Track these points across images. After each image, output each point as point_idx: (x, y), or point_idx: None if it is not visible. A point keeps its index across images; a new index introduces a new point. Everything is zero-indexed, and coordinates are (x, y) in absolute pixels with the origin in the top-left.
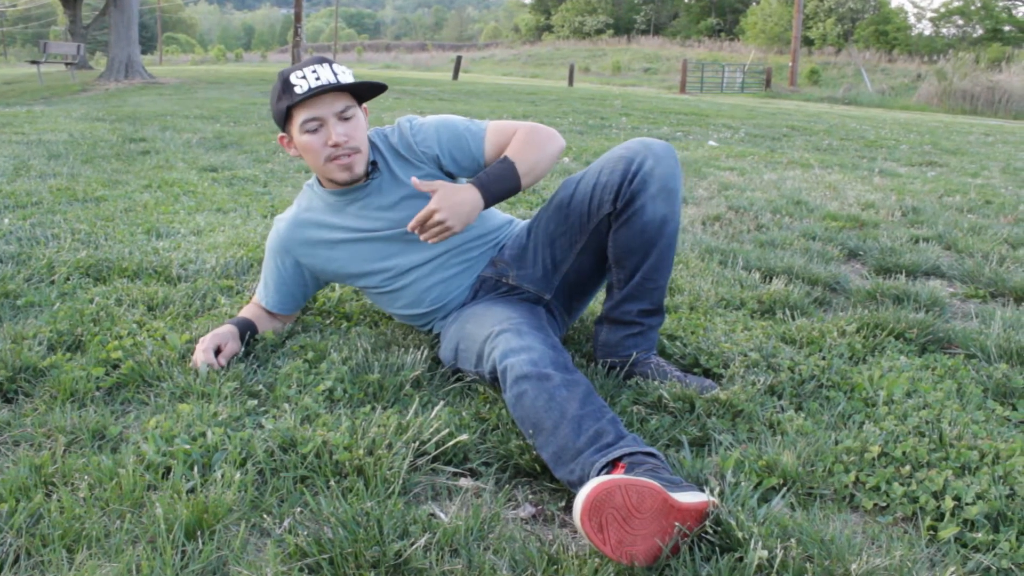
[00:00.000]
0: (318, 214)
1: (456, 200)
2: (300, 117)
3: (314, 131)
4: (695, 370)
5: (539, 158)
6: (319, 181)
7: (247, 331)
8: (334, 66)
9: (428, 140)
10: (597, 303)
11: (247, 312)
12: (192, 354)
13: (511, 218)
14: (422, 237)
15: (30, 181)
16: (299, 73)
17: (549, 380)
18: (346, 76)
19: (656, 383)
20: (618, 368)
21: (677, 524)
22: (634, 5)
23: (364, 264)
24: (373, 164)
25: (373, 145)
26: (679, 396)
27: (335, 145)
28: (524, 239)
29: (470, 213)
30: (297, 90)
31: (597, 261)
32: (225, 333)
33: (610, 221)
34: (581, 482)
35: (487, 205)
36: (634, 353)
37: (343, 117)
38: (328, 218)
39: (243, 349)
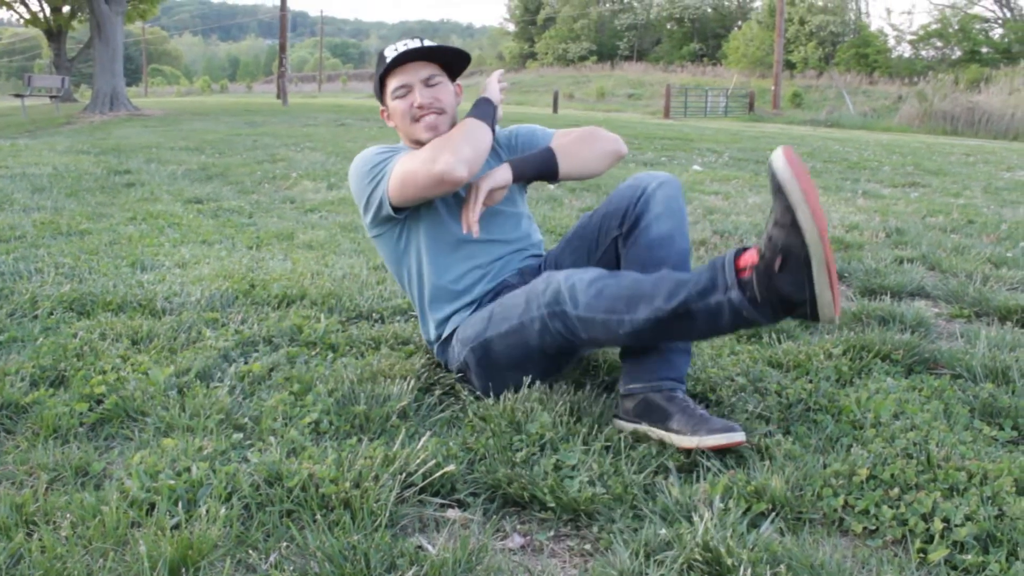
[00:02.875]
0: None
1: (487, 172)
2: (391, 85)
3: (403, 96)
4: None
5: (582, 151)
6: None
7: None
8: (426, 40)
9: (514, 135)
10: None
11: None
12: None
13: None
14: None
15: (13, 215)
16: (393, 46)
17: (617, 275)
18: (433, 44)
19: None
20: (639, 398)
21: None
22: (617, 32)
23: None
24: None
25: None
26: None
27: (420, 106)
28: (540, 272)
29: (496, 175)
30: (387, 59)
31: None
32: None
33: (617, 246)
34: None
35: (515, 172)
36: (659, 382)
37: (429, 84)
38: None
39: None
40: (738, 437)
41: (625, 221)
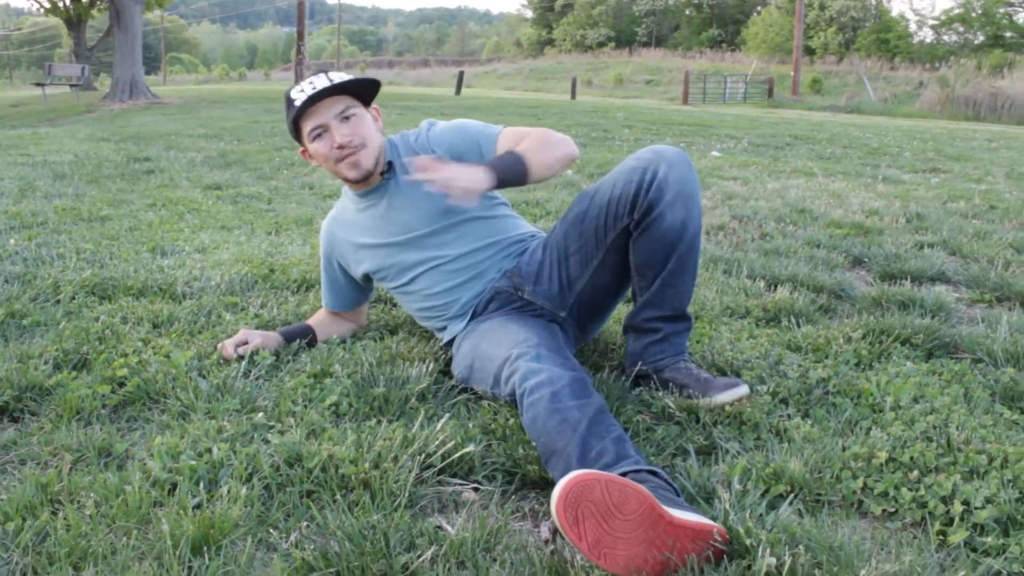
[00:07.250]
0: (349, 215)
1: (465, 167)
2: (306, 128)
3: (320, 137)
4: None
5: (547, 158)
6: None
7: (297, 337)
8: (331, 73)
9: (439, 140)
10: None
11: (311, 319)
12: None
13: (535, 231)
14: (451, 195)
15: (35, 202)
16: (299, 87)
17: (561, 403)
18: (341, 78)
19: (660, 393)
20: (651, 376)
21: (671, 540)
22: (635, 18)
23: (383, 268)
24: (389, 164)
25: (393, 146)
26: (684, 406)
27: (340, 147)
28: (540, 255)
29: (476, 177)
30: (296, 103)
31: (613, 278)
32: (257, 333)
33: (629, 232)
34: None
35: (496, 177)
36: (662, 359)
37: (344, 117)
38: (356, 219)
39: (277, 350)
40: (741, 391)
41: (636, 209)
